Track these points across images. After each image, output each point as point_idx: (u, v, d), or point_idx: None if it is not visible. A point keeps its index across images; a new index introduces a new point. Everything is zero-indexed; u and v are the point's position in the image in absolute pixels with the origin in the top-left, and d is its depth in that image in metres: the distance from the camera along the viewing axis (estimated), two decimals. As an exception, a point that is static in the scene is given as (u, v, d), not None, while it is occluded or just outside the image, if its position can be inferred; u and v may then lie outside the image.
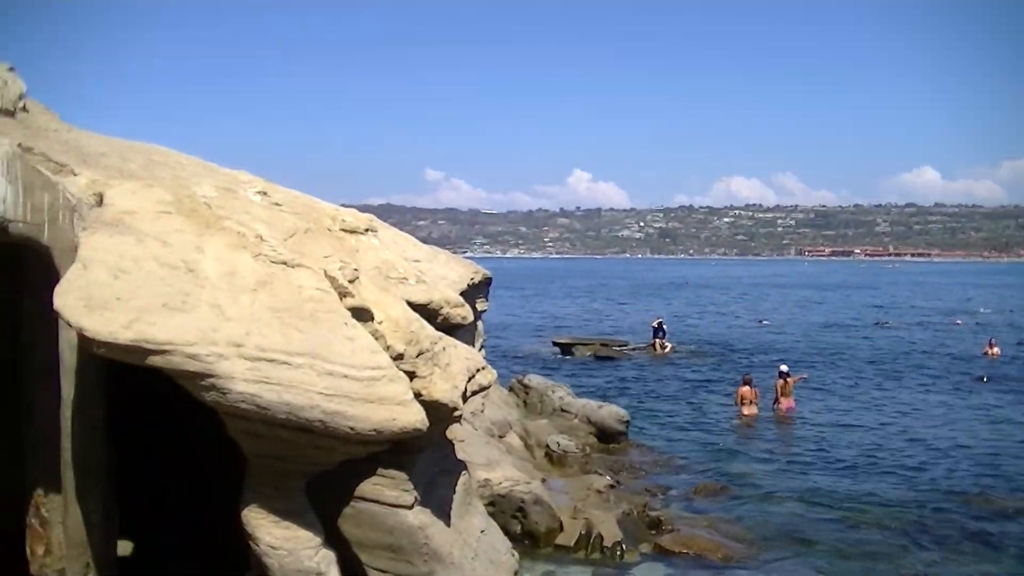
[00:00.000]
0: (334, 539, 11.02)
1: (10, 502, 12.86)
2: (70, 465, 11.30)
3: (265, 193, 13.62)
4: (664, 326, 51.85)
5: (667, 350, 49.16)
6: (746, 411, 31.06)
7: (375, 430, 9.44)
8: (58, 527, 11.96)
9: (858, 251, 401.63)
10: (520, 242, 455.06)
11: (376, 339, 10.36)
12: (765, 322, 72.83)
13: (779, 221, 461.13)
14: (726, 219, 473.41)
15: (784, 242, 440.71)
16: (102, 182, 11.79)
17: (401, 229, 18.53)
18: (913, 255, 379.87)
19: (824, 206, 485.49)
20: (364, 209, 15.28)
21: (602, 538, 16.76)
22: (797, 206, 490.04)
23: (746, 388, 31.71)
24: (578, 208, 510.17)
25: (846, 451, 26.02)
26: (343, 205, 15.71)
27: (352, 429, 9.36)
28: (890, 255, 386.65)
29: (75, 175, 11.90)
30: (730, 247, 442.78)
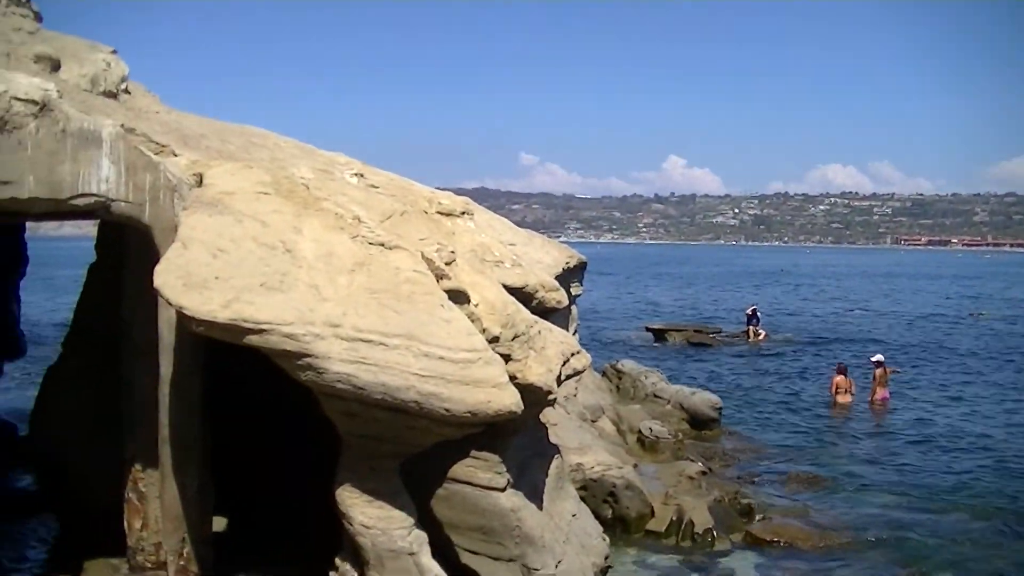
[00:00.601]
0: (426, 520, 11.06)
1: (109, 477, 13.09)
2: (167, 441, 11.48)
3: (362, 175, 13.69)
4: (758, 313, 51.32)
5: (761, 338, 48.64)
6: (840, 400, 30.64)
7: (470, 412, 9.44)
8: (155, 502, 12.17)
9: (955, 241, 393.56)
10: (614, 227, 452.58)
11: (472, 321, 10.36)
12: (858, 311, 71.88)
13: (875, 209, 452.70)
14: (821, 207, 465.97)
15: (880, 231, 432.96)
16: (202, 163, 11.93)
17: (495, 213, 18.53)
18: (1012, 245, 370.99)
19: (921, 195, 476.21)
20: (458, 192, 15.28)
21: (693, 525, 16.62)
22: (893, 194, 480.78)
23: (840, 377, 31.28)
24: (672, 194, 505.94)
25: (941, 442, 25.55)
26: (437, 188, 15.76)
27: (447, 411, 9.37)
28: (988, 245, 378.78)
29: (176, 156, 12.07)
30: (825, 235, 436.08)
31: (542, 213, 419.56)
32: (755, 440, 25.05)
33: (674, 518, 16.72)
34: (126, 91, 14.23)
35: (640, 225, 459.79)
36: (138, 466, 12.41)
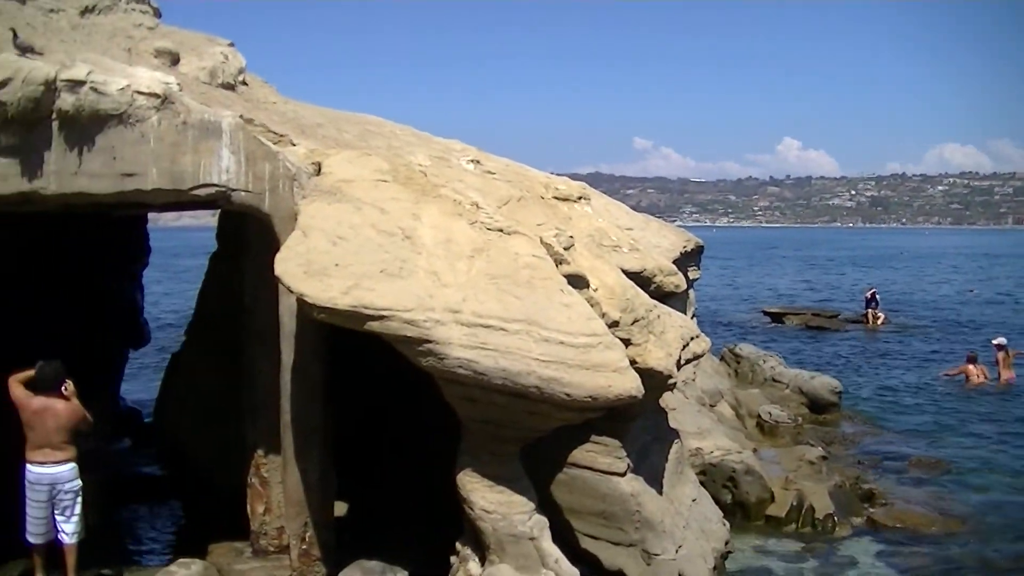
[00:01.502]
0: (546, 505, 11.06)
1: (232, 462, 13.31)
2: (289, 426, 11.59)
3: (478, 162, 13.71)
4: (877, 297, 50.43)
5: (880, 321, 47.74)
6: (969, 384, 30.11)
7: (591, 396, 9.38)
8: (277, 487, 12.33)
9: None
10: (729, 211, 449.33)
11: (591, 306, 10.30)
12: (974, 291, 70.45)
13: (996, 189, 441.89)
14: (940, 187, 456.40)
15: (1001, 211, 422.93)
16: (320, 152, 12.02)
17: (610, 198, 18.44)
18: None
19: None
20: (572, 178, 15.25)
21: (814, 510, 16.41)
22: (1015, 173, 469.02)
23: (969, 365, 30.74)
24: (788, 176, 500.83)
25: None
26: (552, 174, 15.73)
27: (568, 395, 9.32)
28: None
29: (294, 145, 12.17)
30: (944, 216, 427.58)
31: (657, 197, 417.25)
32: (876, 424, 24.66)
33: (794, 503, 16.52)
34: (243, 83, 14.40)
35: (756, 208, 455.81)
36: (260, 452, 12.59)
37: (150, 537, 14.38)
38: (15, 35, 10.31)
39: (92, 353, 16.54)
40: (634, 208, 21.15)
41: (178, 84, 11.03)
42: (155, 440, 18.07)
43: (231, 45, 14.66)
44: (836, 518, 16.28)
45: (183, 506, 15.51)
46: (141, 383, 25.47)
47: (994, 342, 32.12)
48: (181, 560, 11.80)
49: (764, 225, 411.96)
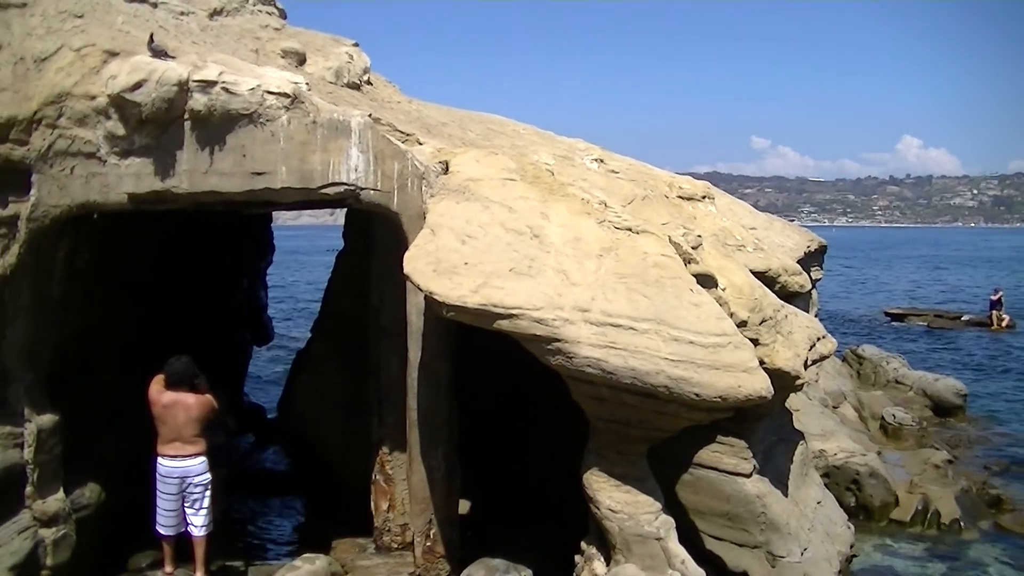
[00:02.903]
0: (671, 505, 11.01)
1: (357, 458, 13.45)
2: (415, 424, 11.66)
3: (602, 160, 13.69)
4: (1003, 298, 49.44)
5: (1005, 323, 46.82)
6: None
7: (720, 397, 9.31)
8: (402, 484, 12.44)
9: None
10: (848, 210, 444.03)
11: (720, 306, 10.23)
12: None
13: None
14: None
15: None
16: (447, 150, 12.10)
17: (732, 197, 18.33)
18: None
19: None
20: (691, 177, 15.16)
21: (939, 514, 16.17)
22: None
23: None
24: (908, 175, 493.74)
25: None
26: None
27: (697, 395, 9.26)
28: None
29: (420, 144, 12.26)
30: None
31: (775, 197, 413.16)
32: (1003, 428, 24.11)
33: (919, 507, 16.30)
34: (368, 82, 14.56)
35: (875, 208, 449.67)
36: (385, 448, 12.71)
37: (275, 532, 14.58)
38: (151, 39, 10.55)
39: (220, 349, 16.87)
40: (752, 208, 20.98)
41: (306, 84, 11.18)
42: (280, 436, 18.36)
43: (356, 45, 14.84)
44: (962, 523, 16.02)
45: (308, 502, 15.70)
46: (265, 379, 25.93)
47: None
48: (305, 555, 11.96)
49: (883, 225, 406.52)
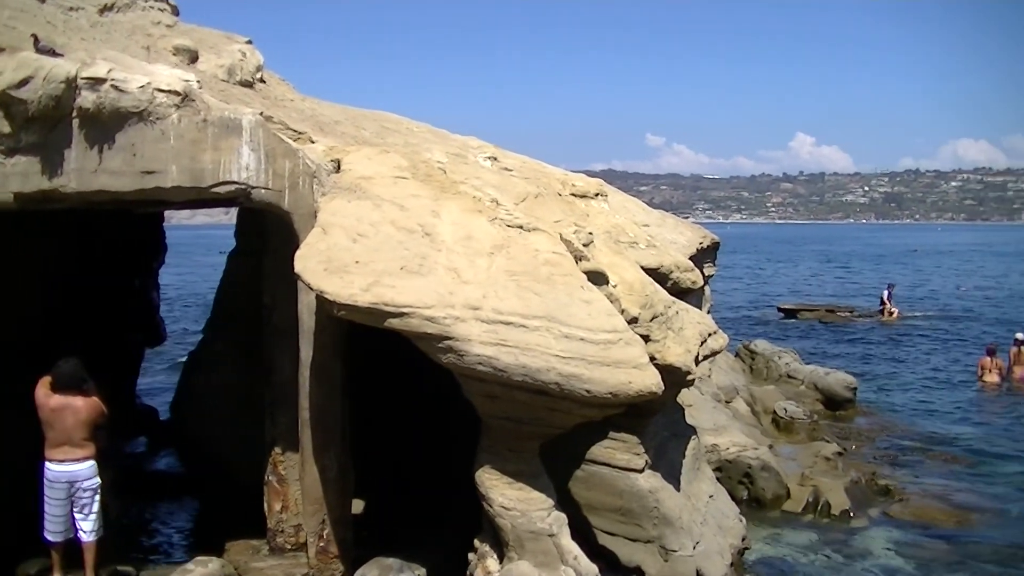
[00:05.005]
0: (565, 502, 11.07)
1: (250, 459, 13.33)
2: (308, 424, 11.59)
3: (495, 158, 13.71)
4: (893, 292, 50.55)
5: (895, 316, 47.94)
6: (986, 379, 30.12)
7: (611, 393, 9.36)
8: (295, 484, 12.36)
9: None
10: (742, 207, 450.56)
11: (611, 302, 10.29)
12: (993, 290, 70.39)
13: (1010, 185, 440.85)
14: (954, 183, 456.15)
15: (1015, 207, 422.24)
16: (339, 149, 12.04)
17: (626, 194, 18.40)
18: None
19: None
20: (587, 175, 15.24)
21: (830, 505, 16.52)
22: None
23: (987, 358, 30.74)
24: (801, 173, 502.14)
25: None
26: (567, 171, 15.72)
27: (588, 392, 9.30)
28: None
29: (313, 142, 12.19)
30: (957, 212, 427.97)
31: (670, 194, 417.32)
32: (892, 420, 24.73)
33: (810, 499, 16.66)
34: (261, 80, 14.43)
35: (769, 205, 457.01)
36: (278, 449, 12.62)
37: (168, 535, 14.43)
38: (36, 40, 10.33)
39: (110, 351, 16.61)
40: (647, 205, 21.12)
41: (198, 82, 11.05)
42: (172, 438, 18.13)
43: (249, 42, 14.69)
44: (852, 513, 16.41)
45: (201, 504, 15.56)
46: (157, 380, 25.62)
47: (1017, 336, 32.09)
48: (198, 558, 11.81)
49: (777, 222, 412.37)
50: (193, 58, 13.37)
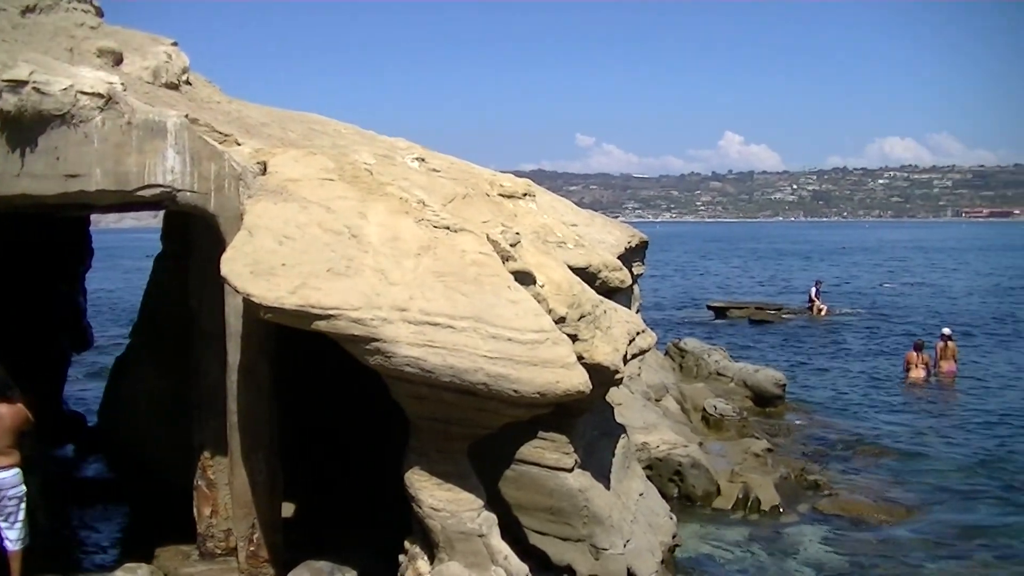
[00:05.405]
0: (495, 502, 11.08)
1: (179, 464, 13.23)
2: (236, 427, 11.56)
3: (423, 159, 13.69)
4: (821, 289, 51.12)
5: (823, 313, 48.47)
6: (912, 375, 30.53)
7: (539, 393, 9.38)
8: (224, 488, 12.28)
9: (1018, 211, 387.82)
10: (672, 206, 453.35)
11: (538, 302, 10.31)
12: (887, 285, 71.57)
13: (935, 182, 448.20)
14: (881, 181, 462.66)
15: (940, 203, 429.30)
16: (265, 151, 11.97)
17: (555, 195, 18.45)
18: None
19: (982, 166, 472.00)
20: (517, 175, 15.25)
21: (760, 502, 16.70)
22: (954, 166, 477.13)
23: (913, 353, 31.16)
24: (730, 171, 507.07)
25: (1009, 415, 25.35)
26: (496, 171, 15.73)
27: (516, 392, 9.32)
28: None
29: (239, 145, 12.11)
30: (884, 209, 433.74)
31: (600, 194, 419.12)
32: (821, 415, 25.05)
33: (740, 495, 16.82)
34: (187, 82, 14.31)
35: (698, 203, 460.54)
36: (207, 453, 12.53)
37: (97, 541, 14.30)
38: None
39: (36, 356, 16.42)
40: (577, 205, 21.20)
41: (122, 84, 10.96)
42: (100, 443, 17.95)
43: (175, 44, 14.56)
44: (782, 509, 16.60)
45: (130, 510, 15.41)
46: (85, 386, 25.35)
47: (943, 332, 32.56)
48: (127, 565, 11.77)
49: (707, 220, 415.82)
50: (118, 60, 13.22)
